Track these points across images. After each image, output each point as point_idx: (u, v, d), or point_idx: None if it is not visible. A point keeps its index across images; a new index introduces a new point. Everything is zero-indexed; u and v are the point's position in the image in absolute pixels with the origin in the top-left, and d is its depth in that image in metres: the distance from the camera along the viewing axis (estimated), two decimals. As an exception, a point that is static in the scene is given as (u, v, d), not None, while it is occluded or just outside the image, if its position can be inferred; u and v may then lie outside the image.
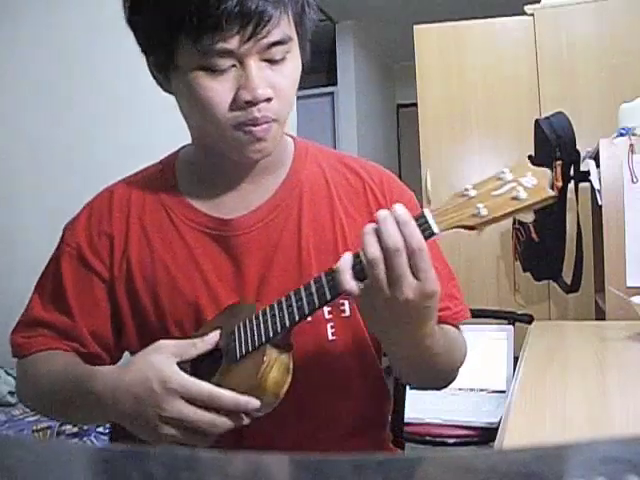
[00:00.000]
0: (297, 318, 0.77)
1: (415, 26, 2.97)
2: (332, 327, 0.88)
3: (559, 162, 2.22)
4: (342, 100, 4.99)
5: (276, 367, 0.77)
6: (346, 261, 0.72)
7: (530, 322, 1.86)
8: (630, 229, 1.72)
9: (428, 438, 1.76)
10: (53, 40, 2.45)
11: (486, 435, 1.72)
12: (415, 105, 2.98)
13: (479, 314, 2.06)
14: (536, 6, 2.84)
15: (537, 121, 2.34)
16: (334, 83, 5.06)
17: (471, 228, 0.71)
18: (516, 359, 1.28)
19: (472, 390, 1.94)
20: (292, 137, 0.98)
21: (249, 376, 0.76)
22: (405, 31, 3.23)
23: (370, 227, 0.71)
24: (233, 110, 0.79)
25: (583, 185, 2.24)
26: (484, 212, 0.70)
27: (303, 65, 0.86)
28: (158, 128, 1.85)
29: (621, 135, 1.79)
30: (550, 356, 1.24)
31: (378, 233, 0.70)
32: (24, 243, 2.42)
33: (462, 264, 2.83)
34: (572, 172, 2.26)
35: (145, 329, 0.91)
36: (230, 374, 0.79)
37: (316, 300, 0.75)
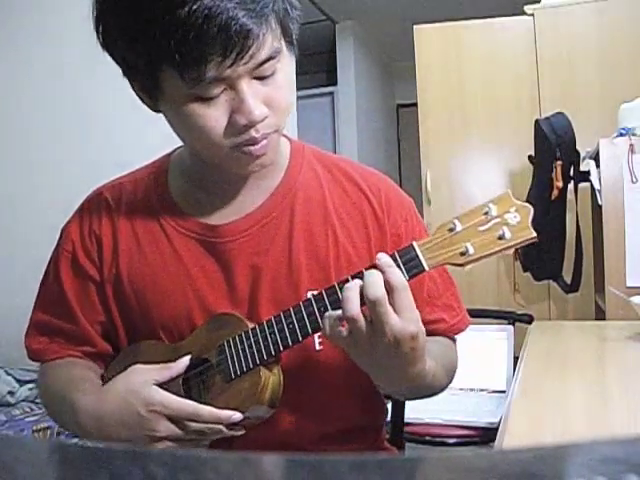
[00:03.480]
0: (290, 343, 0.78)
1: (415, 26, 2.97)
2: (319, 337, 0.87)
3: (559, 162, 2.22)
4: (342, 100, 4.99)
5: (271, 385, 0.80)
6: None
7: (530, 322, 1.86)
8: (630, 229, 1.72)
9: (428, 438, 1.76)
10: (48, 43, 2.45)
11: (486, 435, 1.72)
12: (415, 105, 2.98)
13: (479, 314, 2.06)
14: (536, 6, 2.84)
15: (537, 121, 2.34)
16: (334, 83, 5.06)
17: (458, 265, 0.74)
18: (516, 359, 1.28)
19: (472, 390, 1.95)
20: (288, 139, 0.95)
21: (247, 397, 0.79)
22: (405, 31, 3.23)
23: (353, 283, 0.72)
24: (229, 135, 0.75)
25: (583, 185, 2.24)
26: (472, 251, 0.72)
27: (298, 63, 0.83)
28: (153, 128, 1.85)
29: (621, 135, 1.79)
30: (550, 356, 1.24)
31: (364, 284, 0.71)
32: (23, 244, 2.42)
33: (462, 264, 2.83)
34: (572, 172, 2.26)
35: (134, 335, 0.91)
36: (226, 394, 0.81)
37: (309, 326, 0.77)
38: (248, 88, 0.74)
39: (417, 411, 1.76)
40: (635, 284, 1.68)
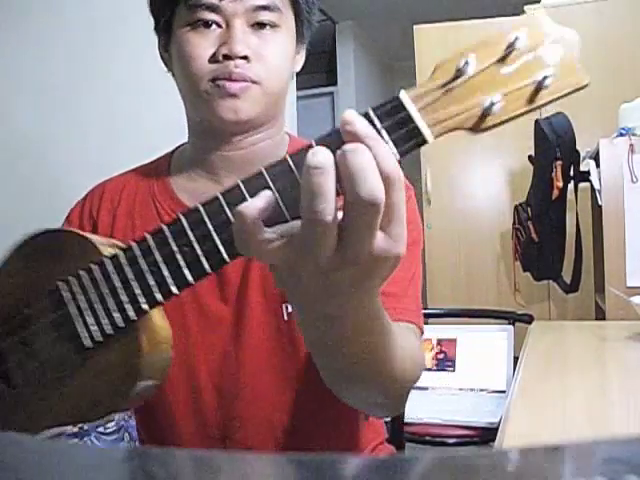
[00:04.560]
0: (191, 278, 0.49)
1: (415, 26, 2.97)
2: (287, 306, 0.82)
3: (559, 162, 2.22)
4: (342, 100, 4.99)
5: (157, 347, 0.54)
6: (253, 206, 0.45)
7: (530, 322, 1.86)
8: (630, 229, 1.72)
9: (428, 438, 1.76)
10: (58, 40, 2.45)
11: (486, 435, 1.72)
12: (415, 105, 2.98)
13: (479, 314, 2.06)
14: (536, 6, 2.84)
15: (537, 121, 2.34)
16: (334, 83, 5.06)
17: (475, 131, 0.47)
18: (516, 359, 1.28)
19: (472, 390, 1.95)
20: (290, 135, 0.97)
21: (122, 377, 0.53)
22: (405, 31, 3.24)
23: (324, 157, 0.43)
24: (211, 62, 0.81)
25: (583, 185, 2.24)
26: (498, 108, 0.46)
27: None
28: (160, 127, 1.85)
29: (621, 135, 1.79)
30: (550, 356, 1.24)
31: (343, 173, 0.43)
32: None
33: (462, 264, 2.83)
34: (572, 172, 2.27)
35: None
36: (80, 375, 0.54)
37: (222, 249, 0.48)
38: (240, 28, 0.81)
39: (417, 411, 1.76)
40: (635, 284, 1.68)
